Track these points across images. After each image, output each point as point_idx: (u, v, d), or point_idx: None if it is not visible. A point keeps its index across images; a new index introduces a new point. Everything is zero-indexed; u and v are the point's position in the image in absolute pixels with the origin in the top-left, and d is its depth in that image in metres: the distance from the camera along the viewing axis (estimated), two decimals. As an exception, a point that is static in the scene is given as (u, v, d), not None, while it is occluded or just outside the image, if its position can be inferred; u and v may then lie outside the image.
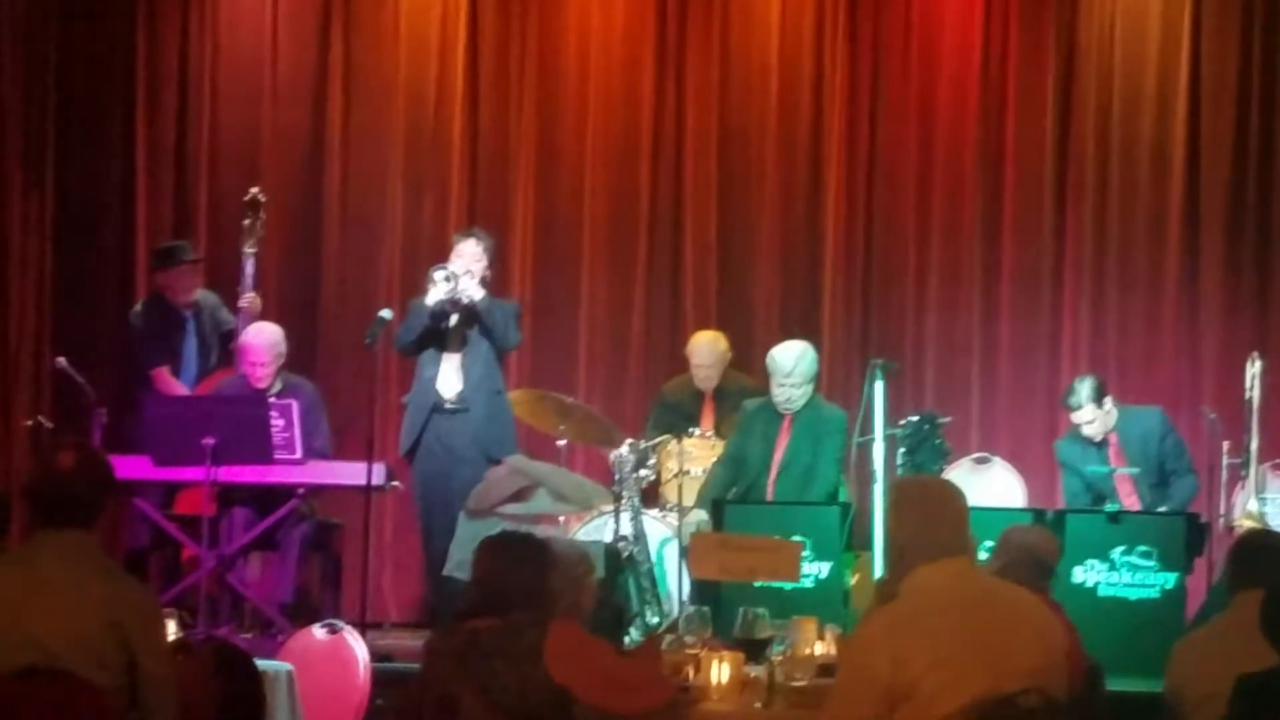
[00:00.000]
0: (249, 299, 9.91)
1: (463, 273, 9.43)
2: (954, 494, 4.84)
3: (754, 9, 11.40)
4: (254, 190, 10.15)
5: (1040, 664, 4.52)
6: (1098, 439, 9.56)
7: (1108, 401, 9.57)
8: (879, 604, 5.46)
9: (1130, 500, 9.49)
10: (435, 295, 9.38)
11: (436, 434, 9.47)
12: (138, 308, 10.20)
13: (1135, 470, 9.48)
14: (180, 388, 9.80)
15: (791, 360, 9.47)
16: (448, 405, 9.46)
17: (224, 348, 10.03)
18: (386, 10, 11.42)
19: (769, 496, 9.43)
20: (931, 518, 4.71)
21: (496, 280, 10.00)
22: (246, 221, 10.04)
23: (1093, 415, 9.52)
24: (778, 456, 9.47)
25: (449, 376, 9.53)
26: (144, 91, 11.27)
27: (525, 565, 5.14)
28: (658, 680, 5.35)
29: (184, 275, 10.03)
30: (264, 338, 9.44)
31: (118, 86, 11.26)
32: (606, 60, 11.42)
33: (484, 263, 9.55)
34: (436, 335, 9.54)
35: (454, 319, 9.51)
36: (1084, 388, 9.58)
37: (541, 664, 4.92)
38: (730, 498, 9.35)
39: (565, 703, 4.96)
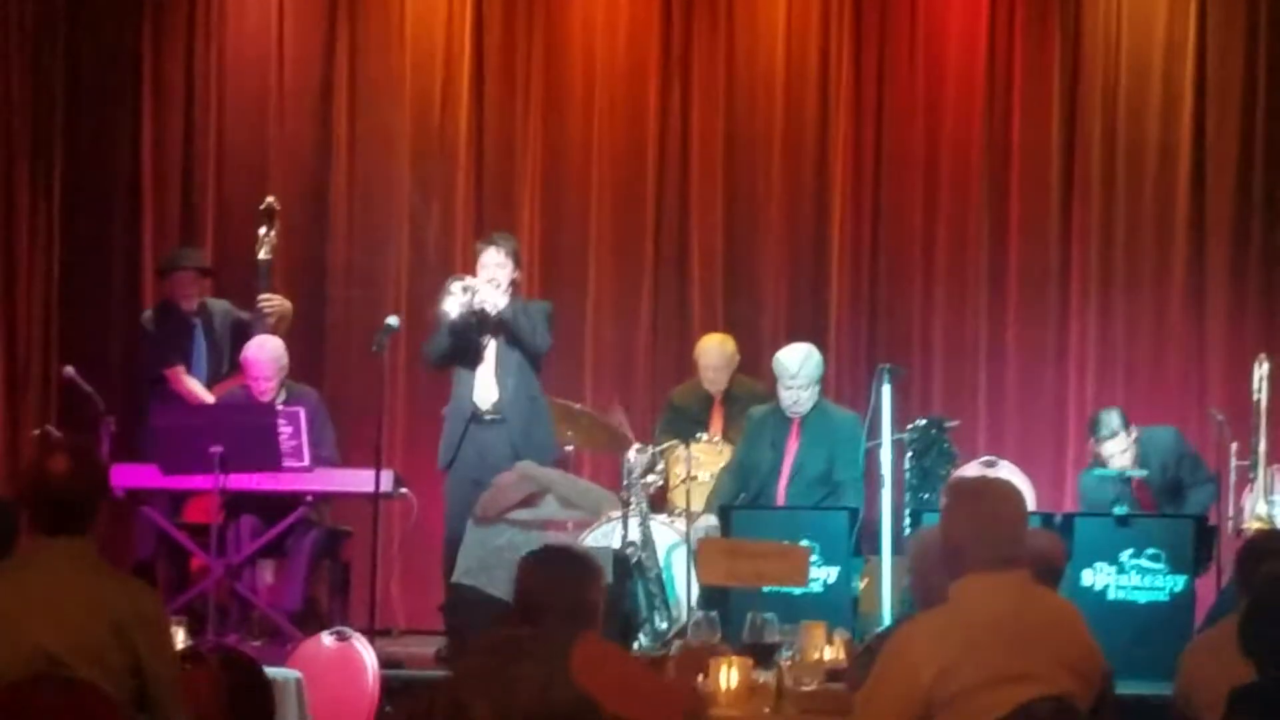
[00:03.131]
0: (272, 303, 9.90)
1: (487, 282, 9.28)
2: (1011, 497, 4.76)
3: (759, 13, 11.41)
4: (270, 199, 10.13)
5: (1079, 690, 4.52)
6: (1129, 470, 9.47)
7: (1133, 429, 9.49)
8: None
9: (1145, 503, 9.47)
10: (453, 305, 9.24)
11: (474, 445, 9.34)
12: (149, 312, 10.21)
13: (1144, 472, 9.46)
14: (196, 384, 9.78)
15: (797, 362, 9.46)
16: (486, 416, 9.35)
17: (240, 345, 10.01)
18: (392, 16, 11.43)
19: (780, 502, 9.41)
20: (988, 522, 4.64)
21: (506, 285, 9.95)
22: (262, 230, 10.03)
23: (1125, 444, 9.44)
24: (788, 462, 9.45)
25: (485, 386, 9.35)
26: (150, 99, 11.29)
27: (567, 581, 5.11)
28: (679, 690, 5.33)
29: (183, 282, 10.02)
30: (265, 352, 9.43)
31: (124, 94, 11.28)
32: (612, 65, 11.43)
33: (509, 268, 9.30)
34: (463, 351, 9.40)
35: (478, 332, 9.34)
36: (1113, 418, 9.46)
37: (567, 670, 4.91)
38: (739, 504, 9.34)
39: (589, 711, 4.94)
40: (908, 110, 11.30)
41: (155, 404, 9.50)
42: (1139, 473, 9.45)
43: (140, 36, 11.30)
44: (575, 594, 5.08)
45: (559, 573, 5.12)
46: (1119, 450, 9.43)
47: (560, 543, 6.06)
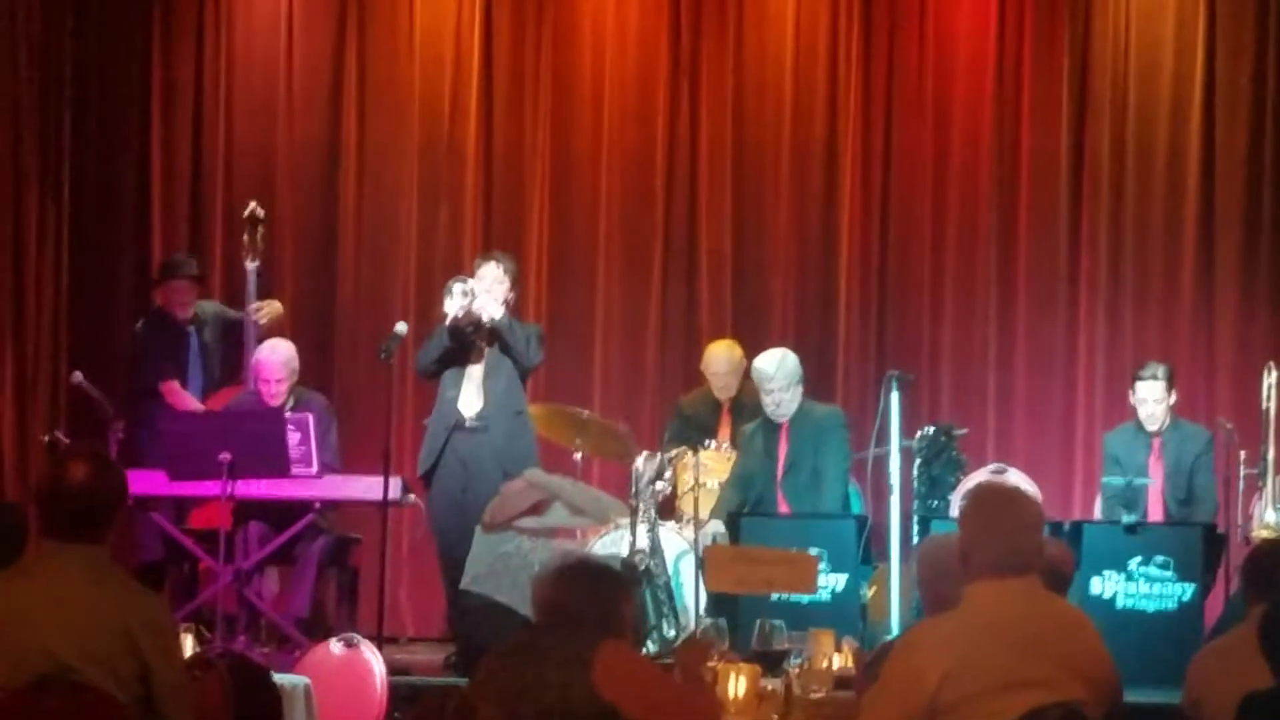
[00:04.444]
0: (261, 310, 9.90)
1: (483, 293, 9.35)
2: (1024, 504, 4.76)
3: (768, 19, 11.41)
4: (252, 204, 10.13)
5: (1089, 697, 4.51)
6: (1151, 426, 9.50)
7: (1174, 395, 9.56)
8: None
9: (1154, 509, 9.46)
10: (451, 306, 9.31)
11: (456, 452, 9.37)
12: (141, 322, 10.19)
13: (1151, 481, 9.46)
14: (191, 400, 9.79)
15: (773, 365, 9.49)
16: (468, 424, 9.39)
17: (231, 341, 9.99)
18: (401, 22, 11.45)
19: (779, 504, 9.42)
20: (998, 527, 4.64)
21: (511, 293, 9.98)
22: (246, 236, 10.03)
23: (1161, 394, 9.48)
24: (780, 465, 9.47)
25: (470, 396, 9.42)
26: (159, 106, 11.31)
27: (599, 594, 5.10)
28: (704, 704, 5.33)
29: (178, 290, 10.02)
30: (278, 356, 9.44)
31: (133, 101, 11.30)
32: (621, 71, 11.44)
33: (505, 285, 9.40)
34: (457, 354, 9.45)
35: (473, 337, 9.41)
36: (1160, 367, 9.58)
37: (589, 675, 4.90)
38: (745, 512, 9.34)
39: (607, 717, 4.93)
40: (917, 115, 11.30)
41: (162, 410, 9.49)
42: (1146, 481, 9.45)
43: (149, 42, 11.32)
44: (608, 606, 5.07)
45: (593, 585, 5.11)
46: (1152, 397, 9.49)
47: (589, 555, 6.05)
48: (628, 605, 5.16)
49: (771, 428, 9.53)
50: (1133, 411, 9.67)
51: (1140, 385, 9.56)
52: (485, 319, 9.31)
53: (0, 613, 4.74)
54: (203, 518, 9.24)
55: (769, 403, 9.49)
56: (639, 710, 4.96)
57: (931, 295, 11.26)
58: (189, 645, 7.17)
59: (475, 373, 9.43)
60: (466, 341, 9.39)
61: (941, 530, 7.56)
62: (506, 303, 9.42)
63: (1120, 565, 8.75)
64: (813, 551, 7.88)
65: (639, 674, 5.06)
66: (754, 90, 11.42)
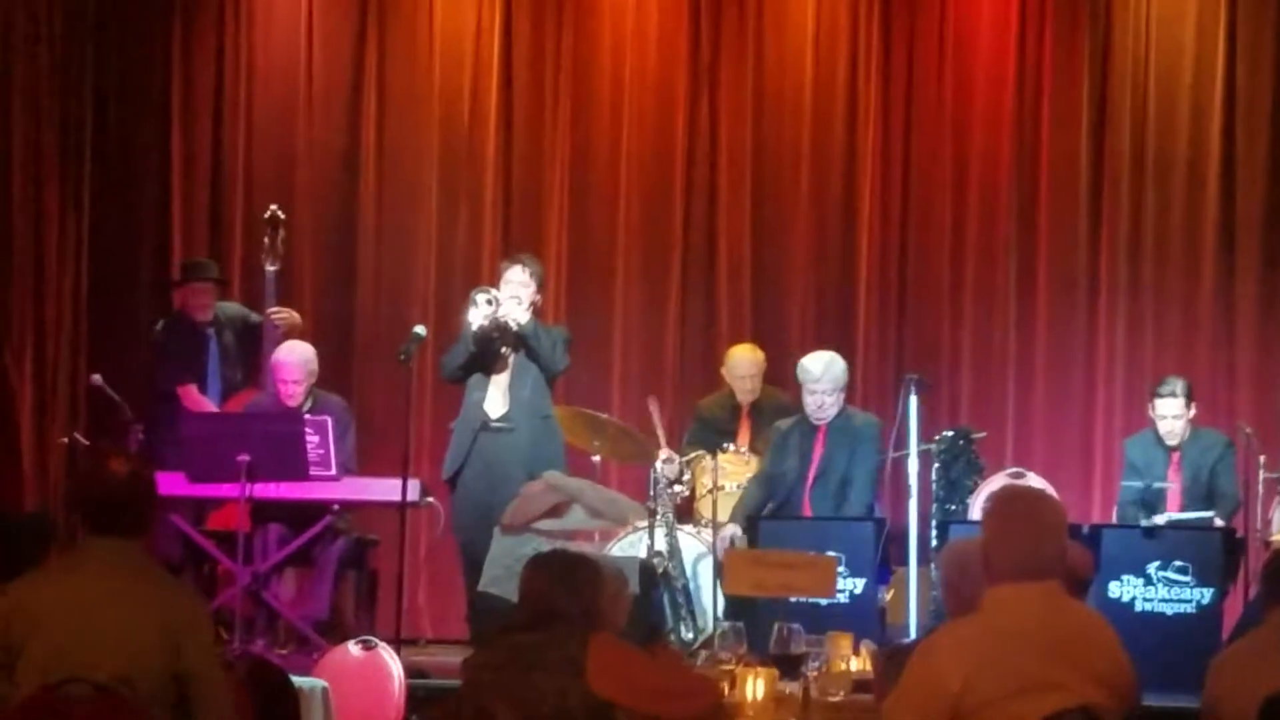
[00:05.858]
0: (280, 315, 9.90)
1: (509, 298, 9.36)
2: (1046, 508, 4.74)
3: (788, 24, 11.41)
4: (273, 208, 10.12)
5: (1108, 702, 4.51)
6: (1172, 441, 9.49)
7: (1193, 408, 9.55)
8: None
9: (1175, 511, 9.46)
10: (475, 316, 9.31)
11: (482, 453, 9.39)
12: (160, 325, 10.19)
13: (1170, 485, 9.44)
14: (208, 405, 9.80)
15: (821, 366, 9.47)
16: (493, 425, 9.39)
17: (252, 344, 9.99)
18: (421, 26, 11.46)
19: (805, 508, 9.41)
20: (1020, 531, 4.63)
21: (532, 297, 9.98)
22: (266, 239, 10.03)
23: (1180, 410, 9.47)
24: (813, 468, 9.46)
25: (495, 399, 9.43)
26: (179, 109, 11.32)
27: (576, 585, 5.13)
28: (703, 684, 5.35)
29: (198, 293, 10.01)
30: (296, 356, 9.45)
31: (153, 105, 11.31)
32: (640, 75, 11.44)
33: (532, 288, 9.42)
34: (483, 360, 9.46)
35: (499, 344, 9.41)
36: (1178, 382, 9.58)
37: (582, 676, 4.92)
38: (765, 514, 9.34)
39: (605, 716, 4.95)
40: (936, 121, 11.30)
41: (182, 412, 9.50)
42: (1166, 484, 9.44)
43: (169, 47, 11.32)
44: (582, 599, 5.09)
45: (565, 578, 5.13)
46: (1170, 413, 9.49)
47: (565, 548, 6.07)
48: (602, 595, 5.18)
49: (808, 429, 9.50)
50: (1152, 421, 9.65)
51: (1159, 402, 9.54)
52: (511, 325, 9.31)
53: (41, 608, 4.77)
54: (221, 519, 9.25)
55: (811, 403, 9.46)
56: (638, 701, 4.98)
57: (951, 300, 11.25)
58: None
59: (501, 379, 9.44)
60: (492, 348, 9.39)
61: (961, 533, 7.56)
62: (533, 305, 9.42)
63: (1139, 569, 8.73)
64: (831, 554, 7.88)
65: (632, 666, 5.08)
66: (773, 95, 11.42)
